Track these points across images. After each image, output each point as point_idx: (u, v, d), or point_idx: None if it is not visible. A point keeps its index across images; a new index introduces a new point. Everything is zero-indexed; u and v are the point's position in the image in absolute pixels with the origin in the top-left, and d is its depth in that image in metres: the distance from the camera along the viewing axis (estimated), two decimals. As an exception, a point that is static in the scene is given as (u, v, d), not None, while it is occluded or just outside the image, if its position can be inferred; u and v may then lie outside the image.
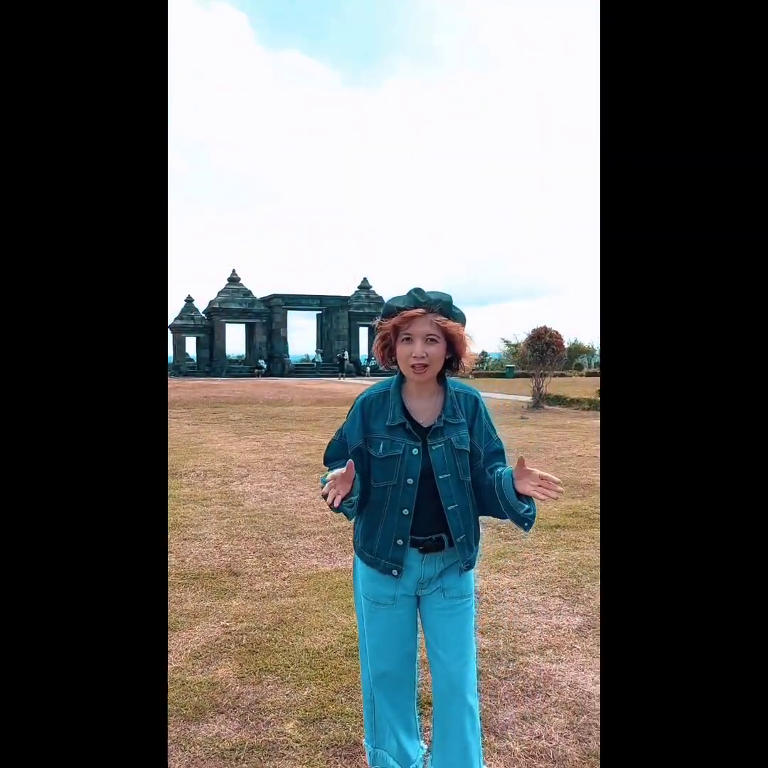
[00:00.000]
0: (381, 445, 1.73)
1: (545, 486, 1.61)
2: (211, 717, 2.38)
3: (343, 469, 1.61)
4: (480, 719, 1.86)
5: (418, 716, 1.94)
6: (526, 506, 1.68)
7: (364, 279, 42.55)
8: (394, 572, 1.76)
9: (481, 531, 1.85)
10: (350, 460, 1.65)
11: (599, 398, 16.01)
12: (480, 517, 1.84)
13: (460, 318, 1.71)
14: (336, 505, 1.60)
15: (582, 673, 2.71)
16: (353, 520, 1.88)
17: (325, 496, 1.61)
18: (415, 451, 1.72)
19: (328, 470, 1.77)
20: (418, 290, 1.68)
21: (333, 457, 1.84)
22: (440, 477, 1.72)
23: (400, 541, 1.74)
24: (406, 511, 1.73)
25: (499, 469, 1.76)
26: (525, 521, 1.70)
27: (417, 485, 1.72)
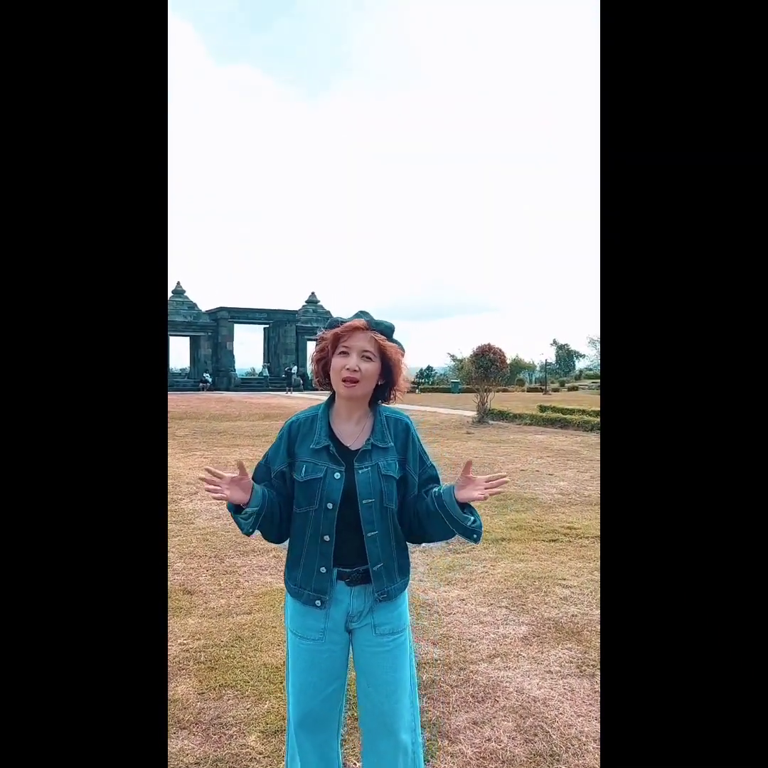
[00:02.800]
0: (304, 468, 1.69)
1: (492, 486, 1.64)
2: (174, 733, 2.44)
3: (234, 474, 1.61)
4: (422, 755, 1.83)
5: (340, 756, 1.87)
6: (472, 517, 1.66)
7: (312, 293, 42.60)
8: (318, 603, 1.70)
9: (410, 562, 1.83)
10: (247, 472, 1.64)
11: (541, 412, 16.51)
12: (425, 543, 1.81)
13: (400, 346, 1.71)
14: (214, 497, 1.59)
15: (528, 679, 2.88)
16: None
17: (208, 486, 1.61)
18: (337, 474, 1.67)
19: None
20: (363, 312, 1.70)
21: (258, 480, 1.78)
22: (364, 502, 1.67)
23: (322, 569, 1.69)
24: (327, 538, 1.68)
25: (435, 490, 1.74)
26: (473, 533, 1.68)
27: (337, 510, 1.67)
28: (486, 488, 1.64)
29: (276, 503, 1.72)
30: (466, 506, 1.67)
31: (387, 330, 1.69)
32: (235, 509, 1.65)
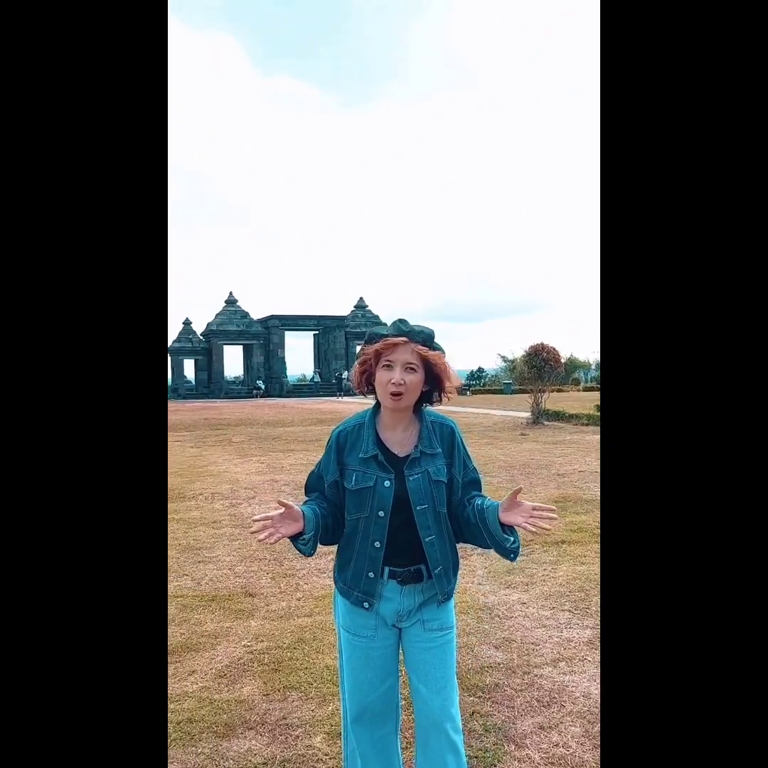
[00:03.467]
0: (354, 477, 1.73)
1: (537, 516, 1.62)
2: (241, 733, 2.48)
3: (280, 510, 1.62)
4: (465, 758, 1.81)
5: (401, 753, 1.90)
6: (512, 538, 1.68)
7: (360, 298, 42.85)
8: (366, 605, 1.75)
9: (459, 562, 1.85)
10: (291, 504, 1.64)
11: (599, 412, 16.14)
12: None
13: (440, 351, 1.73)
14: (271, 541, 1.60)
15: (595, 684, 2.81)
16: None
17: (255, 533, 1.61)
18: (387, 483, 1.71)
19: (308, 500, 1.80)
20: (402, 321, 1.72)
21: (312, 488, 1.85)
22: (418, 508, 1.71)
23: (370, 574, 1.73)
24: (377, 544, 1.71)
25: (479, 501, 1.76)
26: (511, 553, 1.70)
27: (389, 517, 1.71)
28: (531, 517, 1.62)
29: (329, 514, 1.77)
30: (507, 526, 1.67)
31: (427, 338, 1.71)
32: (293, 537, 1.67)
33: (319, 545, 1.76)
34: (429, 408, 1.83)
